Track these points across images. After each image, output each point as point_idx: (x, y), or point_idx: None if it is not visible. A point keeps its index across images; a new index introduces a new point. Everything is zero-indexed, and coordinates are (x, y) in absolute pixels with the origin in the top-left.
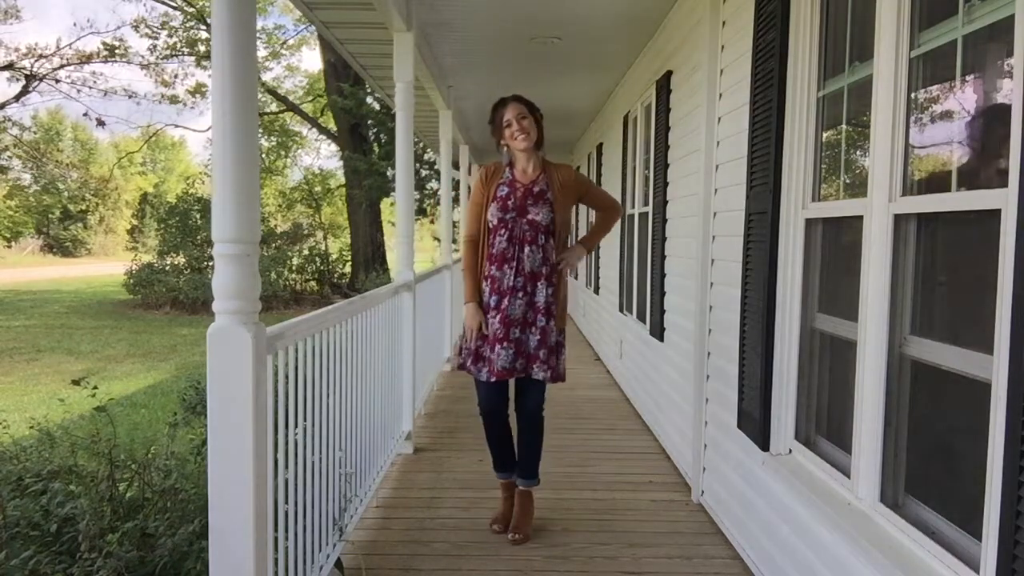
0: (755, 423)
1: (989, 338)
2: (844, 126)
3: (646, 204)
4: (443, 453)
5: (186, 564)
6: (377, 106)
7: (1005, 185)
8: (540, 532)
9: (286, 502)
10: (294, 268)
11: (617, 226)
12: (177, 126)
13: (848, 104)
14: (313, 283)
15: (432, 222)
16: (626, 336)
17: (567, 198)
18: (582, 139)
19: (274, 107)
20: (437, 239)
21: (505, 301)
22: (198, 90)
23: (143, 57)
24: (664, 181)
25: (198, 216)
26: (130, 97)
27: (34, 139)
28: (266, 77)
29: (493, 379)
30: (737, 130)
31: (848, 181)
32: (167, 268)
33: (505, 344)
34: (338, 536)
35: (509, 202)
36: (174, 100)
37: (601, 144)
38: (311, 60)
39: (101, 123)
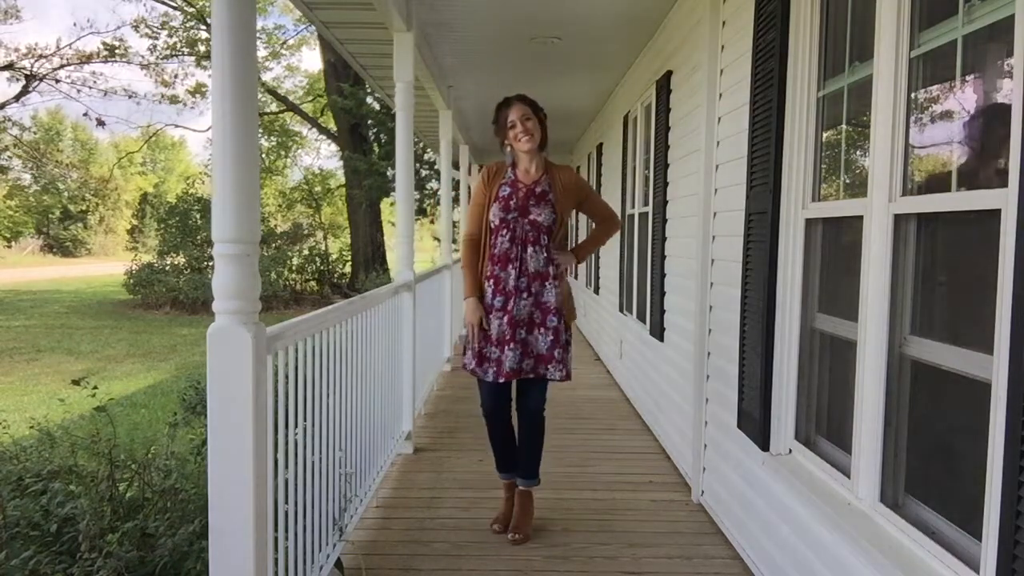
0: (755, 423)
1: (989, 338)
2: (844, 126)
3: (646, 204)
4: (443, 453)
5: (186, 564)
6: (377, 106)
7: (1005, 185)
8: (540, 532)
9: (286, 502)
10: (294, 268)
11: None
12: (177, 126)
13: (848, 104)
14: (313, 283)
15: (432, 222)
16: (626, 336)
17: (568, 200)
18: (582, 139)
19: (274, 107)
20: (437, 239)
21: (511, 302)
22: (198, 90)
23: (143, 57)
24: (664, 181)
25: (198, 216)
26: (130, 97)
27: (34, 139)
28: (266, 77)
29: (501, 379)
30: (737, 130)
31: (848, 181)
32: (167, 268)
33: (512, 345)
34: (338, 536)
35: (511, 202)
36: (174, 100)
37: (601, 144)
38: (311, 60)
39: (101, 123)
